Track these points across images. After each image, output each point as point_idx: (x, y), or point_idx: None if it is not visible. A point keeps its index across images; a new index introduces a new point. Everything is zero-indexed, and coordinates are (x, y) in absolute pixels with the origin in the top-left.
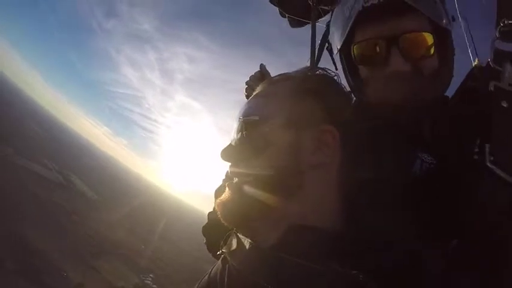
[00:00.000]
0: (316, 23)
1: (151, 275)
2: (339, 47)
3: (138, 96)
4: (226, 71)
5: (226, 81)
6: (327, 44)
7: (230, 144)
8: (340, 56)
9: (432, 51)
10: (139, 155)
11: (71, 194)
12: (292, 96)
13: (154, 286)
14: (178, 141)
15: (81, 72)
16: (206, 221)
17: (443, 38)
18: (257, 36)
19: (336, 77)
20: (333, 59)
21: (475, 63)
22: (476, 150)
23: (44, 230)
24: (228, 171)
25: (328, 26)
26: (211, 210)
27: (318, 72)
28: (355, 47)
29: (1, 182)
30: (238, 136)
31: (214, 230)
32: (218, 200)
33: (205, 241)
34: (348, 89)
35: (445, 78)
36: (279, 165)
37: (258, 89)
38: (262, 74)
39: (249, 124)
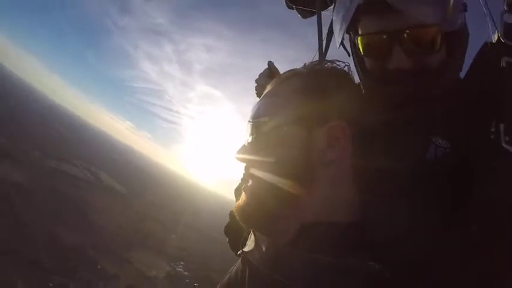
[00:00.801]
0: (323, 12)
1: (182, 263)
2: (339, 41)
3: (158, 89)
4: (245, 57)
5: (245, 68)
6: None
7: (244, 145)
8: (344, 45)
9: (438, 45)
10: (163, 146)
11: (99, 190)
12: (300, 94)
13: (186, 273)
14: (202, 130)
15: (100, 71)
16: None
17: (455, 31)
18: (274, 19)
19: (346, 68)
20: (345, 49)
21: (495, 36)
22: (492, 130)
23: (77, 227)
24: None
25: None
26: (232, 210)
27: (326, 65)
28: (359, 39)
29: (32, 185)
30: (250, 138)
31: (236, 229)
32: (236, 204)
33: (228, 240)
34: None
35: (453, 69)
36: (290, 165)
37: (267, 89)
38: (270, 71)
39: (259, 126)
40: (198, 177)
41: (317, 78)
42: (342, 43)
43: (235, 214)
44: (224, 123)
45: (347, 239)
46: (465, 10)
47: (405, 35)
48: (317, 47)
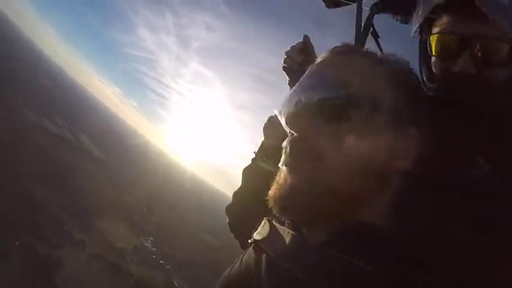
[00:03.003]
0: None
1: (151, 238)
2: (413, 34)
3: (152, 59)
4: (244, 43)
5: (242, 54)
6: (371, 29)
7: (306, 108)
8: (419, 41)
9: (505, 61)
10: (148, 118)
11: (78, 152)
12: (396, 86)
13: (153, 249)
14: (189, 109)
15: (97, 30)
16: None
17: None
18: (280, 13)
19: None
20: (378, 45)
21: None
22: None
23: (50, 186)
24: (285, 146)
25: (372, 9)
26: (236, 190)
27: (399, 61)
28: (432, 37)
29: (10, 137)
30: (329, 108)
31: (240, 211)
32: (277, 184)
33: (228, 221)
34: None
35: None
36: (369, 162)
37: (340, 60)
38: (305, 46)
39: (352, 102)
40: (179, 156)
41: (403, 71)
42: (413, 36)
43: (275, 195)
44: (212, 105)
45: (384, 244)
46: None
47: (478, 42)
48: (324, 48)
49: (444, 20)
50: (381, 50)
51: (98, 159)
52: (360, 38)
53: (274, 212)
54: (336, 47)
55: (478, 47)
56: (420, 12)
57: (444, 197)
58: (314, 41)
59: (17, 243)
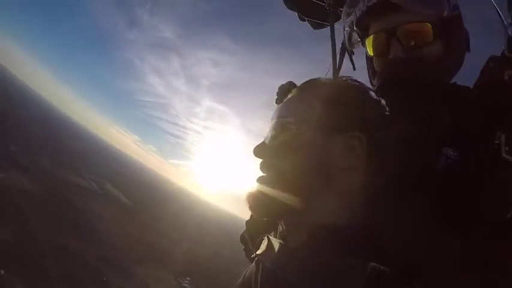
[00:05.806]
0: (335, 25)
1: (188, 278)
2: (348, 46)
3: (164, 103)
4: (251, 72)
5: (251, 83)
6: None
7: (263, 142)
8: (351, 56)
9: (430, 39)
10: (168, 160)
11: (107, 201)
12: (325, 103)
13: None
14: (207, 145)
15: (108, 83)
16: (240, 223)
17: (448, 26)
18: (280, 35)
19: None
20: (352, 62)
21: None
22: (496, 141)
23: (84, 238)
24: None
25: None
26: (249, 218)
27: (349, 81)
28: (366, 40)
29: (42, 194)
30: (272, 135)
31: (253, 238)
32: (247, 192)
33: (243, 248)
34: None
35: (449, 64)
36: (307, 167)
37: (291, 93)
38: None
39: (284, 125)
40: (203, 192)
41: (341, 89)
42: (350, 51)
43: (246, 201)
44: (230, 139)
45: (355, 242)
46: (455, 8)
47: (399, 30)
48: (327, 62)
49: (372, 23)
50: (353, 66)
51: (127, 206)
52: (336, 55)
53: (251, 211)
54: (302, 84)
55: (402, 34)
56: (344, 26)
57: (414, 196)
58: (316, 55)
59: None
